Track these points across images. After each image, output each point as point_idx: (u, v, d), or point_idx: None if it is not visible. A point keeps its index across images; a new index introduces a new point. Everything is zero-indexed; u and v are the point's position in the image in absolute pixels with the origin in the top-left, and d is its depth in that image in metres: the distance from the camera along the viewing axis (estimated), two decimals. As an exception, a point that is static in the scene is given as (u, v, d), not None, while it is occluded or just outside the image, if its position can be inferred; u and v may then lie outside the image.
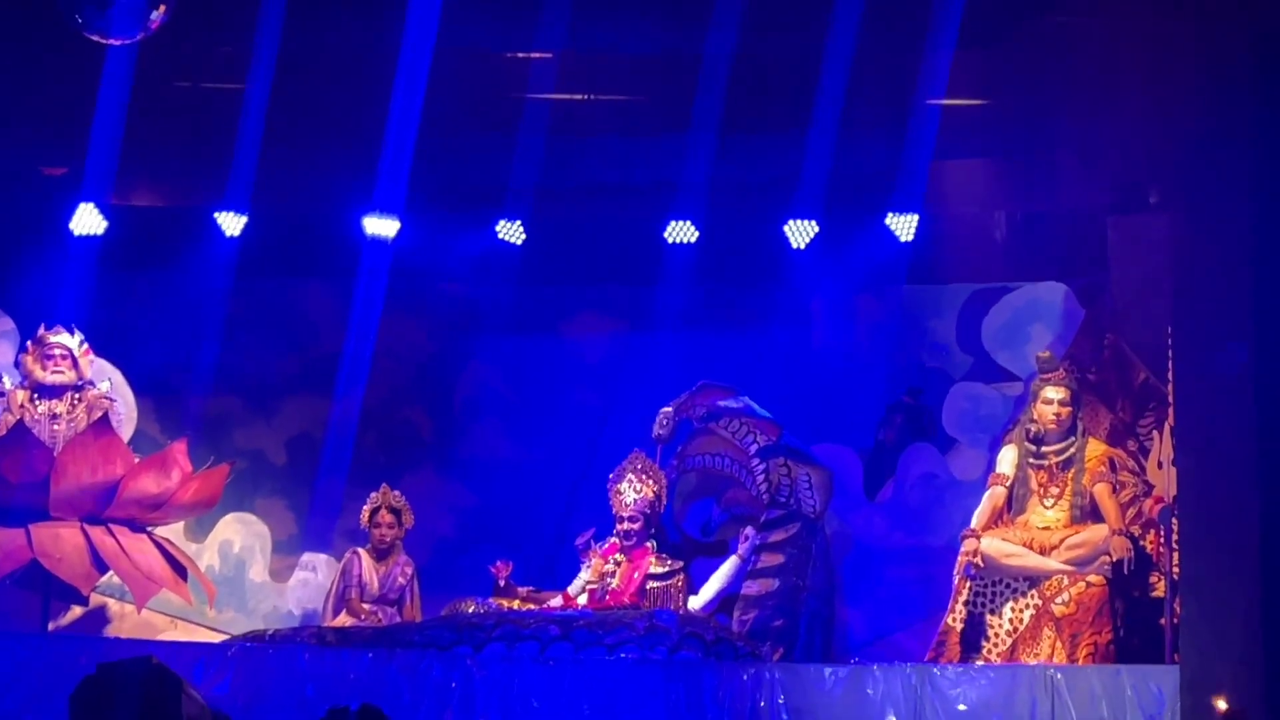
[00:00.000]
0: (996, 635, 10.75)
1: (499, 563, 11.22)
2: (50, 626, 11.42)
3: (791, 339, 12.47)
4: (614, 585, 11.05)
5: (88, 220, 12.05)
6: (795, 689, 9.79)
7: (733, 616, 10.91)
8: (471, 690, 9.70)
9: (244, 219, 12.11)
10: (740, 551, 11.13)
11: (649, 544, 11.20)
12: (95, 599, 11.80)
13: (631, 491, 11.19)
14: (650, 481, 11.24)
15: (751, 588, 10.94)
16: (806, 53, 10.68)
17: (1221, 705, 9.21)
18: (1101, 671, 10.02)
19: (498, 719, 9.65)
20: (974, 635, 10.79)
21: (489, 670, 9.85)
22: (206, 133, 11.52)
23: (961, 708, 9.76)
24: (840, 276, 12.37)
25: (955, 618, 10.81)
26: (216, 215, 12.12)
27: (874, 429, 12.27)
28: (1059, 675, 9.87)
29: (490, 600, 10.99)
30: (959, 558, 10.83)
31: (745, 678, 9.80)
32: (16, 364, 11.77)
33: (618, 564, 11.15)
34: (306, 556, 12.55)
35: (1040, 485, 11.01)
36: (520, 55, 11.23)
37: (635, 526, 11.14)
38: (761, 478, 11.11)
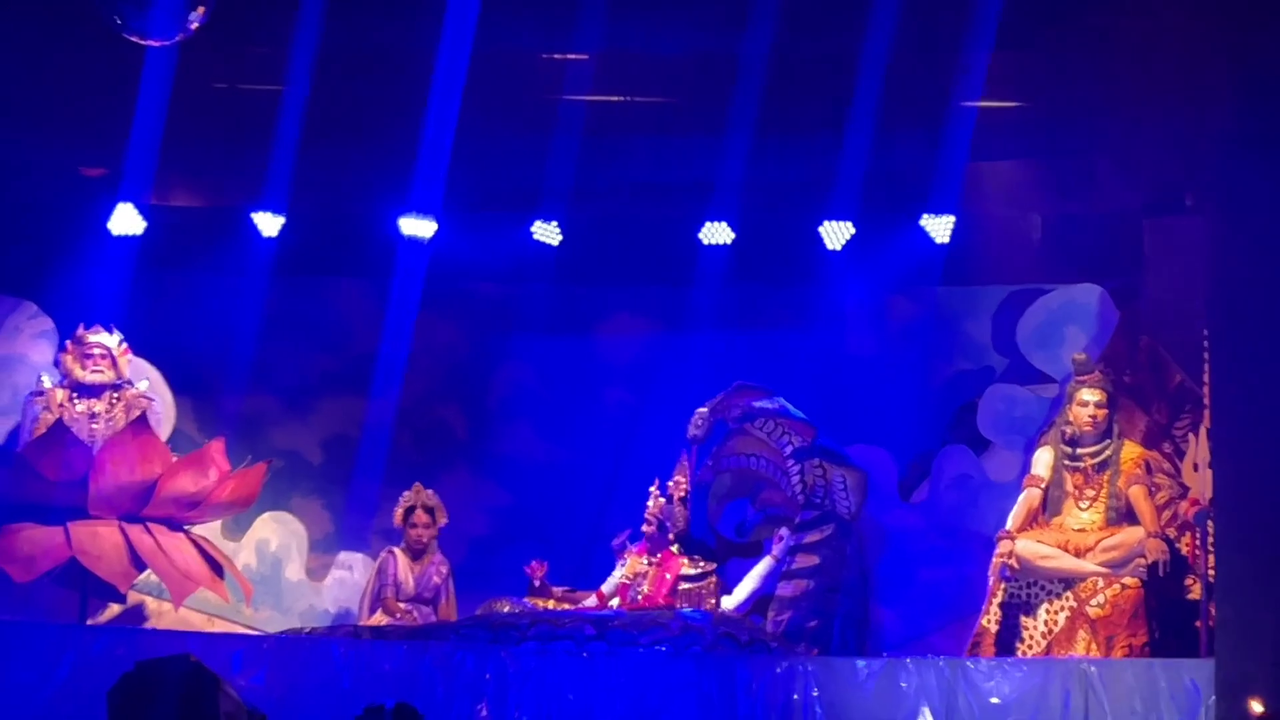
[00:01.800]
0: (1031, 636, 10.74)
1: (534, 562, 11.25)
2: (88, 624, 11.42)
3: (826, 340, 12.47)
4: (646, 589, 11.06)
5: (126, 220, 12.13)
6: (829, 682, 9.83)
7: (767, 617, 10.93)
8: (505, 682, 9.75)
9: (281, 219, 12.18)
10: (775, 552, 11.14)
11: (671, 548, 11.19)
12: (133, 597, 11.88)
13: (657, 495, 11.23)
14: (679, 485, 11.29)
15: (786, 589, 10.95)
16: (842, 53, 10.67)
17: (1258, 708, 9.20)
18: (1135, 665, 10.03)
19: (531, 711, 9.67)
20: (1009, 636, 10.79)
21: (522, 662, 9.91)
22: (244, 133, 11.56)
23: (995, 701, 9.78)
24: (875, 278, 12.38)
25: (990, 619, 10.81)
26: (254, 215, 12.19)
27: (926, 430, 12.26)
28: (1093, 669, 9.88)
29: (525, 600, 11.02)
30: (994, 559, 10.83)
31: (779, 671, 9.83)
32: (56, 363, 11.85)
33: (648, 566, 11.16)
34: (343, 555, 12.63)
35: (1075, 487, 11.00)
36: (557, 56, 11.23)
37: (649, 529, 11.17)
38: (796, 479, 11.13)
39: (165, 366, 12.33)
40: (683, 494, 11.23)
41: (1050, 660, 10.28)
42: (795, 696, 9.69)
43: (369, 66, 11.14)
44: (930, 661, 9.97)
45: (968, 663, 10.01)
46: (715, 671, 9.80)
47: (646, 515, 11.19)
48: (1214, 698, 9.50)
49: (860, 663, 9.97)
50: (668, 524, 11.17)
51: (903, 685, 9.79)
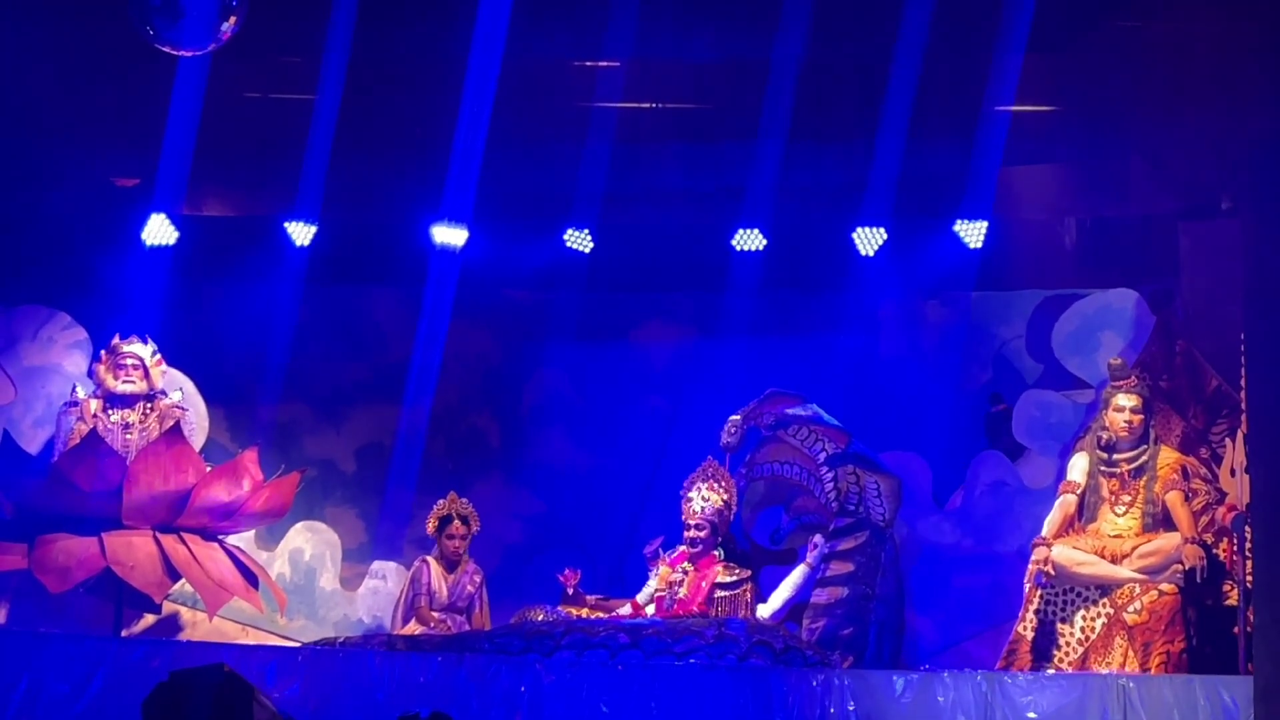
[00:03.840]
0: (1068, 644, 10.69)
1: (567, 571, 11.22)
2: (123, 634, 11.42)
3: (859, 346, 12.45)
4: (681, 594, 11.04)
5: (159, 230, 12.17)
6: (864, 695, 9.76)
7: (802, 625, 10.87)
8: (540, 695, 9.72)
9: (314, 228, 12.21)
10: (809, 560, 11.09)
11: (716, 553, 11.19)
12: (167, 607, 11.88)
13: (699, 499, 11.18)
14: (720, 489, 11.22)
15: (820, 596, 10.90)
16: (874, 58, 10.68)
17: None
18: (1174, 681, 9.92)
19: (566, 723, 9.69)
20: (1045, 644, 10.73)
21: (558, 675, 9.85)
22: (276, 143, 11.62)
23: (1032, 716, 9.72)
24: (908, 283, 12.39)
25: (1026, 626, 10.76)
26: (286, 225, 12.23)
27: (961, 436, 12.25)
28: (1131, 684, 9.78)
29: (559, 608, 10.99)
30: (1030, 566, 10.78)
31: (815, 684, 9.77)
32: (90, 374, 11.89)
33: (685, 573, 11.14)
34: (376, 564, 12.63)
35: (1112, 493, 10.95)
36: (588, 64, 11.26)
37: (701, 534, 11.12)
38: (830, 485, 11.08)
39: (198, 376, 12.34)
40: (725, 498, 11.23)
41: (1088, 675, 10.21)
42: (831, 709, 9.65)
43: (400, 75, 11.19)
44: (967, 675, 9.91)
45: (1005, 677, 9.93)
46: (750, 684, 9.77)
47: (698, 520, 11.16)
48: (1252, 713, 9.45)
49: (896, 676, 9.90)
50: (719, 527, 11.16)
51: (939, 699, 9.74)
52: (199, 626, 11.91)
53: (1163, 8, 10.39)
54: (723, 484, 11.22)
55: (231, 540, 11.80)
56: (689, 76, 11.37)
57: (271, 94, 11.54)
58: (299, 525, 12.55)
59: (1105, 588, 10.70)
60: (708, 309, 12.62)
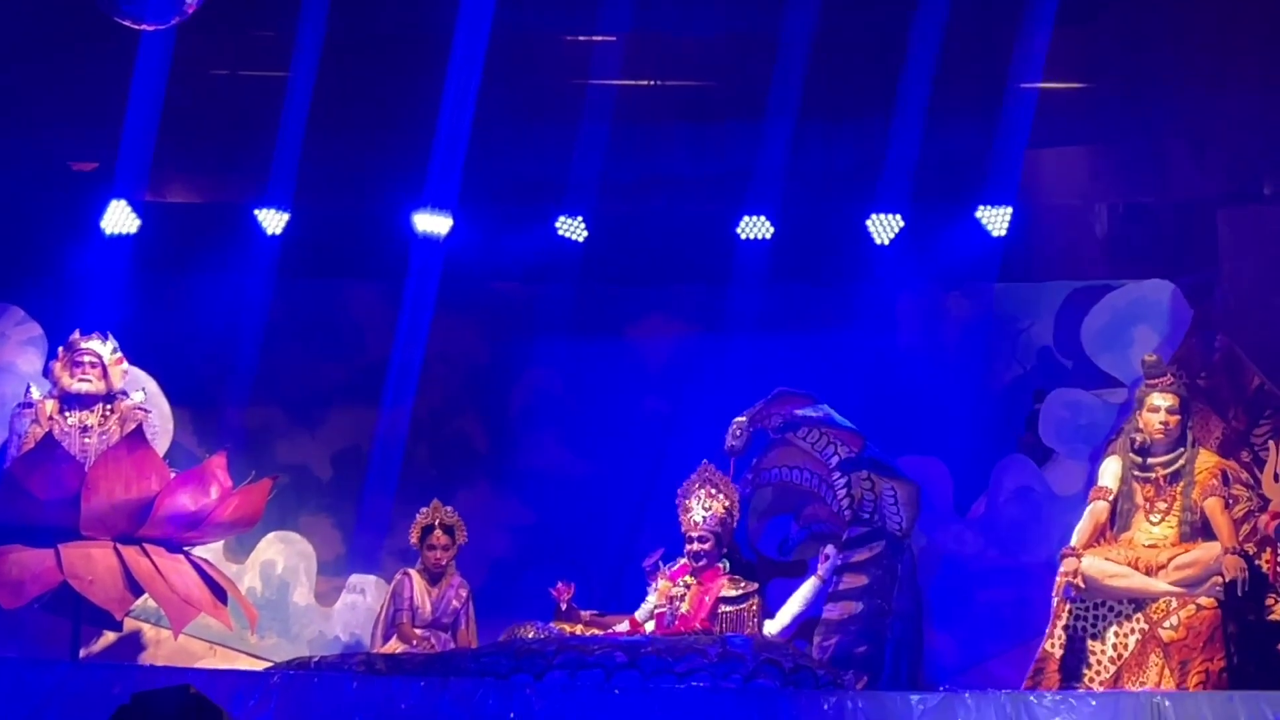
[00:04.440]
0: (1099, 662, 10.62)
1: (560, 584, 11.15)
2: (81, 653, 11.45)
3: (875, 342, 12.54)
4: (683, 610, 10.98)
5: (120, 218, 12.21)
6: (880, 718, 9.72)
7: (812, 642, 10.81)
8: (530, 721, 9.67)
9: (286, 216, 12.29)
10: (820, 572, 11.03)
11: (720, 565, 11.12)
12: (129, 624, 11.83)
13: (700, 508, 11.11)
14: (720, 496, 11.15)
15: (833, 611, 10.84)
16: (891, 31, 10.67)
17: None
18: (1213, 698, 9.84)
19: (559, 752, 9.61)
20: (1074, 662, 10.64)
21: (549, 700, 9.78)
22: (246, 124, 11.67)
23: (1061, 738, 9.66)
24: (927, 274, 12.44)
25: (1054, 643, 10.68)
26: (257, 212, 12.31)
27: (984, 439, 12.22)
28: (1167, 702, 9.68)
29: (551, 625, 10.93)
30: (1058, 578, 10.68)
31: (826, 706, 9.69)
32: (46, 372, 11.82)
33: (687, 586, 11.08)
34: (354, 578, 12.61)
35: (1146, 500, 10.88)
36: (582, 38, 11.27)
37: (705, 546, 11.06)
38: (843, 492, 11.03)
39: (162, 376, 12.24)
40: (727, 505, 11.16)
41: (1120, 694, 10.15)
42: (844, 734, 9.60)
43: (380, 50, 11.22)
44: (991, 696, 9.81)
45: (1031, 697, 9.81)
46: (757, 707, 9.72)
47: (700, 531, 11.07)
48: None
49: (914, 698, 9.81)
50: (723, 537, 11.08)
51: (960, 721, 9.70)
52: (163, 645, 11.87)
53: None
54: (722, 489, 11.15)
55: (198, 552, 11.68)
56: (691, 51, 11.43)
57: (241, 71, 11.62)
58: (271, 536, 12.52)
59: (1139, 602, 10.61)
60: (710, 303, 12.66)
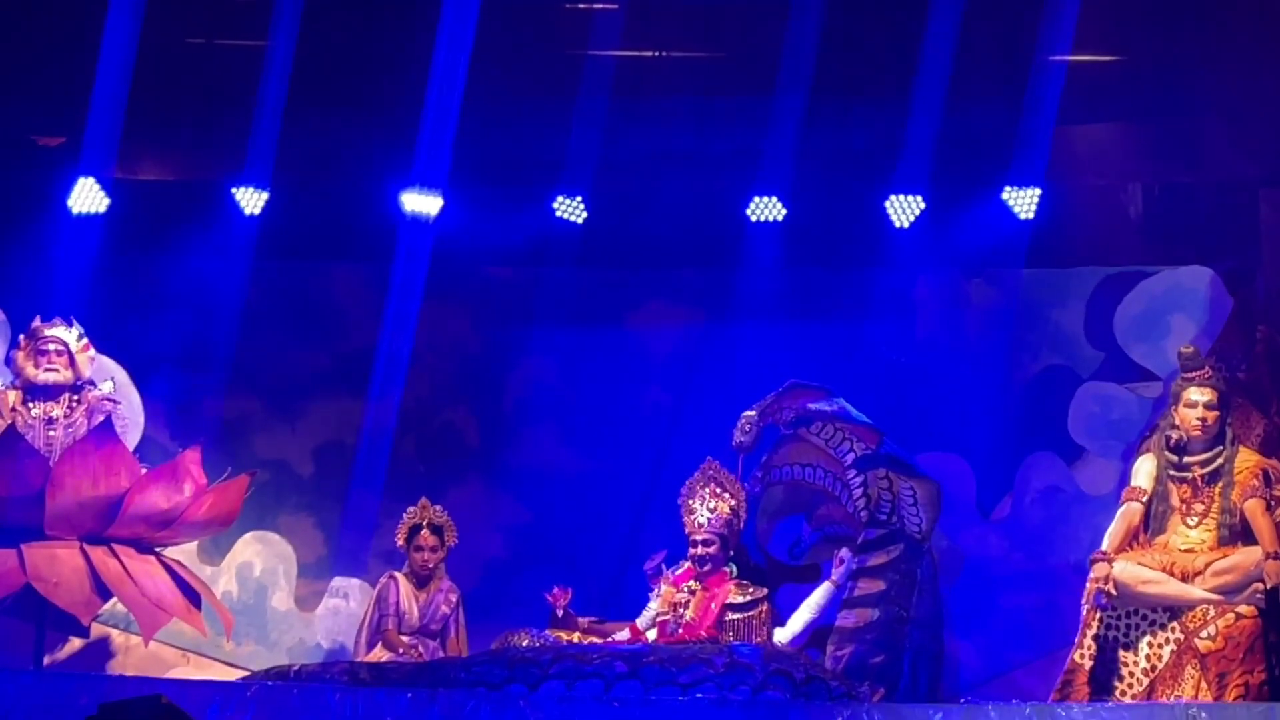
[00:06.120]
0: (1131, 674, 10.61)
1: (556, 589, 11.13)
2: (45, 661, 11.44)
3: (893, 332, 12.57)
4: (688, 617, 10.97)
5: (88, 197, 12.22)
6: (897, 732, 9.72)
7: (826, 652, 10.76)
8: (524, 736, 9.67)
9: (265, 195, 12.29)
10: (834, 577, 11.00)
11: (727, 569, 11.11)
12: (96, 629, 11.81)
13: (703, 509, 11.11)
14: (726, 495, 11.14)
15: (847, 619, 10.81)
16: (911, 1, 10.66)
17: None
18: (1251, 710, 9.84)
19: (555, 766, 9.59)
20: (1105, 674, 10.62)
21: (545, 712, 9.73)
22: (223, 96, 11.63)
23: (1091, 754, 9.66)
24: (949, 259, 12.47)
25: (1083, 653, 10.66)
26: (234, 191, 12.30)
27: (1009, 436, 12.21)
28: (1203, 715, 9.67)
29: (546, 632, 10.91)
30: (1088, 584, 10.63)
31: (840, 720, 9.71)
32: (8, 361, 11.79)
33: (691, 592, 11.08)
34: (337, 581, 12.62)
35: (1182, 501, 10.86)
36: (581, 5, 11.25)
37: (710, 550, 11.05)
38: (859, 492, 11.02)
39: (132, 365, 12.19)
40: (733, 505, 11.15)
41: (1153, 705, 10.12)
42: (860, 750, 9.60)
43: (365, 18, 11.17)
44: (1015, 709, 9.75)
45: (1058, 709, 9.76)
46: (766, 720, 9.71)
47: (705, 534, 11.07)
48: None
49: (934, 711, 9.79)
50: (729, 539, 11.08)
51: (984, 735, 9.69)
52: (133, 652, 11.85)
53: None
54: (727, 488, 11.14)
55: (170, 553, 11.62)
56: (698, 20, 11.38)
57: (217, 40, 11.53)
58: (248, 536, 12.54)
59: (1175, 610, 10.59)
60: (718, 289, 12.65)
